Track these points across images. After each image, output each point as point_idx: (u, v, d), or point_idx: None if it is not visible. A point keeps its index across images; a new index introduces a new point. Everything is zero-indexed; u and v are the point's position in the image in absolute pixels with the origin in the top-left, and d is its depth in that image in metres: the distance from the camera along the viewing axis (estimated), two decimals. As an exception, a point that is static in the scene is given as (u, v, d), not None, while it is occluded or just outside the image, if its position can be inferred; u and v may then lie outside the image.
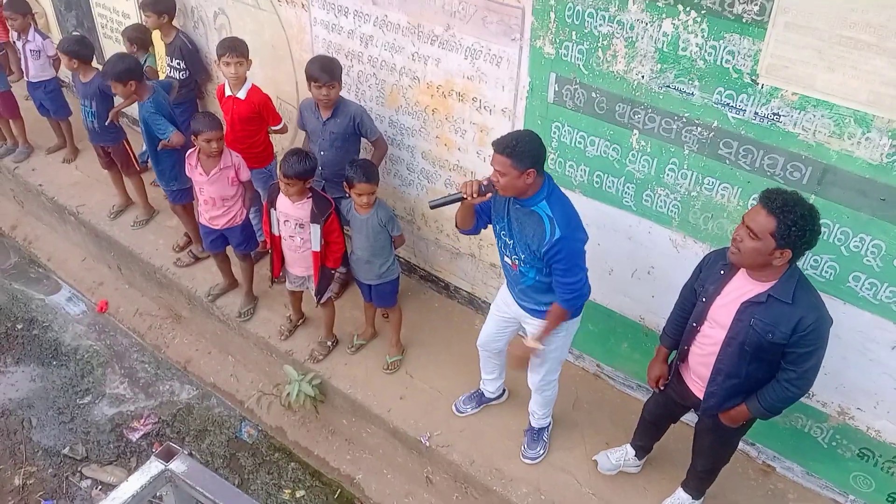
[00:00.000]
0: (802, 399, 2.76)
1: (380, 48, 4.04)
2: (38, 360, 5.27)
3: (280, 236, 3.98)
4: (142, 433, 4.74)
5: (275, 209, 3.90)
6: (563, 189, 3.57)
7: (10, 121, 6.35)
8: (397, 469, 4.23)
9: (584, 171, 3.48)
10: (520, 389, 3.90)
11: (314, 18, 4.29)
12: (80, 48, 4.90)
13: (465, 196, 2.92)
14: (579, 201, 3.56)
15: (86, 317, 5.65)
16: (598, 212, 3.53)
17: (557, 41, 3.24)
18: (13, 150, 6.46)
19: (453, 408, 4.02)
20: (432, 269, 4.75)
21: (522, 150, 2.77)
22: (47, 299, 5.82)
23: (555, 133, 3.49)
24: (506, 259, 3.18)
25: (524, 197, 2.91)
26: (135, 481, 1.36)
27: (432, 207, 3.04)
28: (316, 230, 3.86)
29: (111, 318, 5.60)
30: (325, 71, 3.79)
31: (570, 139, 3.45)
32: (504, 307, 3.43)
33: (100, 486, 4.44)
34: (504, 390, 4.03)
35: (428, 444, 3.86)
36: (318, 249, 3.93)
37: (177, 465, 1.37)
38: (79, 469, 4.53)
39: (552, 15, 3.19)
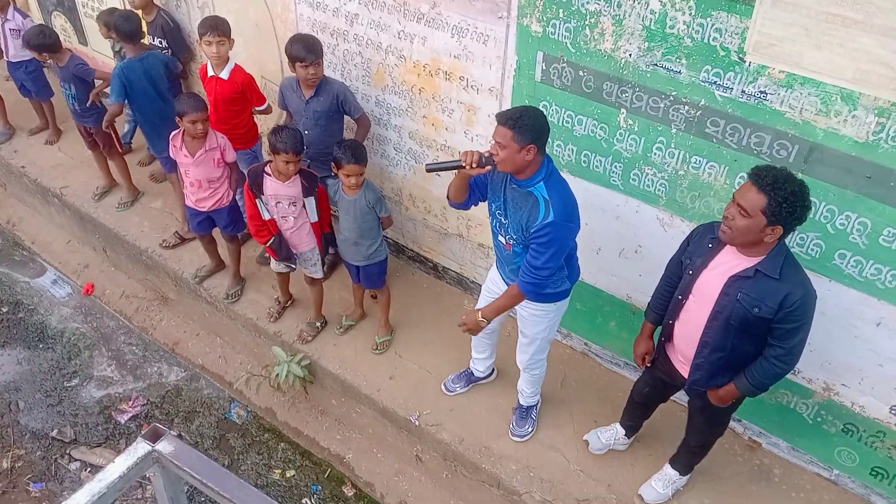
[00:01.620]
0: (788, 376, 2.78)
1: (365, 26, 3.99)
2: (24, 343, 5.23)
3: (273, 220, 3.95)
4: (130, 415, 4.73)
5: (262, 195, 3.85)
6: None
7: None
8: (387, 448, 4.26)
9: (572, 150, 3.47)
10: (508, 368, 3.92)
11: (304, -2, 4.23)
12: (43, 40, 4.81)
13: (463, 164, 2.83)
14: (567, 181, 3.57)
15: (72, 299, 5.61)
16: (585, 191, 3.52)
17: (544, 19, 3.21)
18: (-5, 132, 6.37)
19: (442, 387, 4.04)
20: (420, 250, 4.75)
21: (526, 123, 2.72)
22: (32, 282, 5.77)
23: (546, 112, 3.47)
24: (500, 238, 3.15)
25: (522, 177, 2.87)
26: (121, 462, 1.36)
27: (428, 171, 2.96)
28: (311, 203, 3.87)
29: (97, 301, 5.56)
30: (310, 50, 3.75)
31: (557, 118, 3.43)
32: (494, 287, 3.42)
33: (89, 469, 4.44)
34: (493, 370, 4.05)
35: (417, 423, 3.88)
36: (316, 220, 3.95)
37: (164, 446, 1.36)
38: (67, 451, 4.52)
39: None
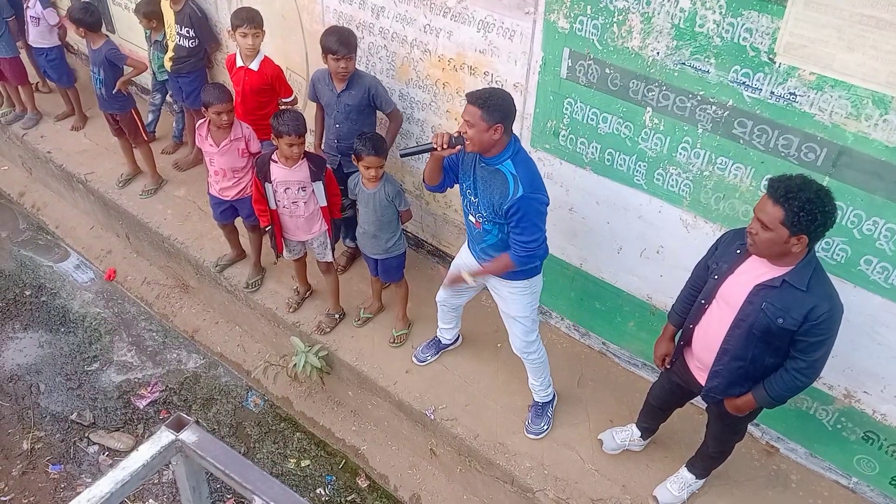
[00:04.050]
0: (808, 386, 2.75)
1: (391, 19, 3.99)
2: (46, 326, 5.31)
3: (277, 210, 3.98)
4: (149, 401, 4.78)
5: (269, 182, 3.88)
6: (572, 166, 3.59)
7: (19, 87, 6.33)
8: (402, 441, 4.27)
9: (596, 148, 3.45)
10: (523, 366, 3.91)
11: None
12: (86, 16, 4.86)
13: (435, 147, 2.95)
14: (589, 179, 3.56)
15: (94, 285, 5.68)
16: (608, 190, 3.51)
17: (572, 15, 3.19)
18: (21, 116, 6.44)
19: (413, 359, 4.16)
20: (440, 244, 4.75)
21: (494, 103, 2.85)
22: (55, 267, 5.85)
23: (567, 109, 3.45)
24: (470, 218, 3.25)
25: (489, 155, 2.98)
26: (145, 451, 1.37)
27: (402, 156, 3.10)
28: (319, 187, 3.91)
29: (119, 287, 5.63)
30: (343, 44, 3.75)
31: (582, 115, 3.41)
32: (464, 266, 3.49)
33: (107, 452, 4.50)
34: (459, 336, 4.21)
35: (433, 417, 3.89)
36: (325, 204, 3.99)
37: (187, 435, 1.38)
38: (86, 435, 4.58)
39: None
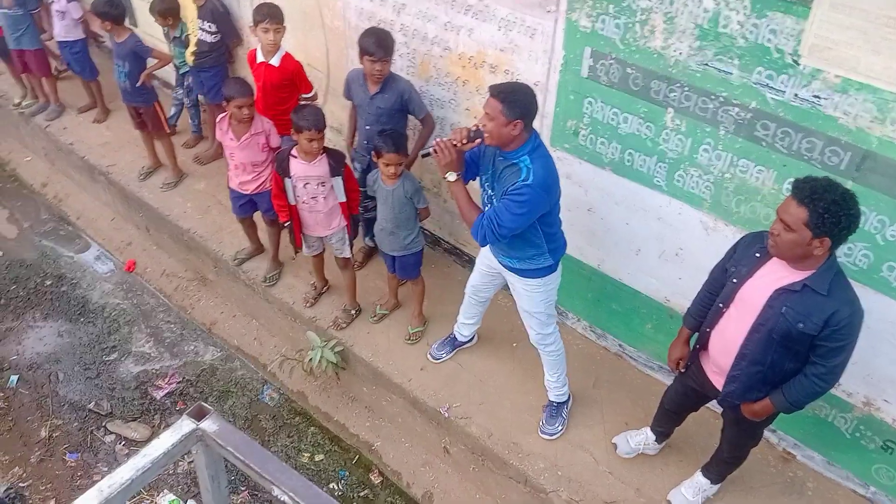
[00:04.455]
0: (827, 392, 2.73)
1: (412, 17, 3.99)
2: (65, 316, 5.37)
3: (296, 205, 4.00)
4: (166, 392, 4.83)
5: (289, 177, 3.89)
6: (592, 166, 3.57)
7: (42, 79, 6.40)
8: (415, 438, 4.28)
9: (616, 148, 3.44)
10: (539, 366, 3.90)
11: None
12: (111, 10, 4.92)
13: (455, 143, 2.95)
14: (609, 179, 3.54)
15: (114, 275, 5.73)
16: (627, 190, 3.49)
17: (594, 14, 3.17)
18: (45, 107, 6.52)
19: (428, 356, 4.15)
20: (457, 243, 4.75)
21: (515, 98, 2.84)
22: (76, 257, 5.92)
23: (587, 108, 3.44)
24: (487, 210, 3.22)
25: (508, 149, 2.97)
26: (166, 439, 1.39)
27: (424, 157, 3.10)
28: (338, 182, 3.93)
29: (138, 278, 5.68)
30: (380, 46, 3.74)
31: (602, 115, 3.40)
32: (486, 259, 3.51)
33: (123, 442, 4.54)
34: (475, 335, 4.19)
35: (447, 415, 3.89)
36: (344, 200, 4.01)
37: (208, 425, 1.39)
38: (103, 424, 4.63)
39: None
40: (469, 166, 3.21)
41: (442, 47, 3.95)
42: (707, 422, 3.54)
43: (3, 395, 4.79)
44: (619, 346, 4.13)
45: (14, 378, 4.88)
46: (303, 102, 4.27)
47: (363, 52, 3.76)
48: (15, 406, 4.73)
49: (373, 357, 4.22)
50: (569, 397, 3.81)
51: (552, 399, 3.76)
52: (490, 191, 3.16)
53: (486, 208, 3.18)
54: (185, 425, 1.38)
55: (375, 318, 4.42)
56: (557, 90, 3.52)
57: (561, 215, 3.24)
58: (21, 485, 4.27)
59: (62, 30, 5.88)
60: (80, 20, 5.89)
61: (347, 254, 4.24)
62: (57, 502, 4.21)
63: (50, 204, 6.45)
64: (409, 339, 4.28)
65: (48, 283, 5.65)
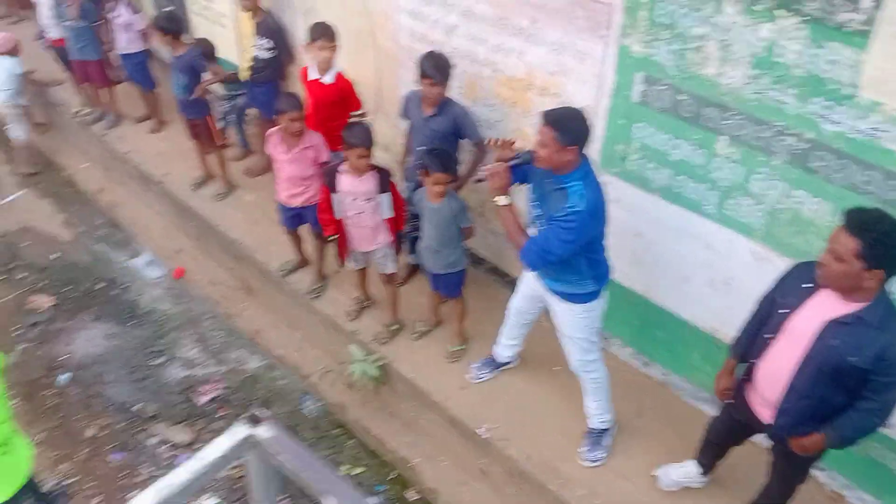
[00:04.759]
0: (880, 428, 2.66)
1: (463, 38, 4.04)
2: (115, 319, 5.52)
3: (342, 220, 4.07)
4: (209, 397, 4.92)
5: (337, 192, 3.96)
6: (640, 191, 3.56)
7: (102, 88, 6.63)
8: (453, 457, 4.27)
9: (666, 174, 3.42)
10: (580, 391, 3.88)
11: (400, 6, 4.32)
12: (171, 24, 5.11)
13: (506, 161, 3.08)
14: (657, 205, 3.52)
15: (163, 282, 5.88)
16: (676, 217, 3.46)
17: (647, 40, 3.18)
18: (103, 117, 6.76)
19: (468, 375, 4.14)
20: (500, 264, 4.76)
21: (569, 125, 2.84)
22: (128, 262, 6.09)
23: (637, 134, 3.44)
24: (532, 231, 3.23)
25: (560, 173, 2.96)
26: (221, 444, 1.42)
27: (477, 182, 3.24)
28: (385, 199, 3.99)
29: (187, 285, 5.82)
30: (438, 70, 3.80)
31: (652, 141, 3.39)
32: (530, 282, 3.51)
33: (167, 444, 4.63)
34: (517, 357, 4.16)
35: (486, 436, 3.88)
36: (390, 216, 4.06)
37: (263, 432, 1.42)
38: (148, 426, 4.74)
39: (644, 13, 3.13)
40: (515, 171, 3.20)
41: (491, 69, 3.99)
42: (755, 457, 3.46)
43: (54, 392, 4.93)
44: (665, 374, 4.07)
45: (66, 376, 5.03)
46: (353, 120, 4.35)
47: (422, 74, 3.82)
48: (64, 404, 4.87)
49: (413, 373, 4.24)
50: (612, 425, 3.76)
51: (594, 426, 3.72)
52: (538, 210, 3.16)
53: (533, 226, 3.19)
54: (239, 431, 1.41)
55: (416, 335, 4.45)
56: (608, 115, 3.52)
57: (608, 240, 3.23)
58: (68, 481, 4.38)
59: (125, 41, 6.10)
60: (142, 32, 6.11)
61: (391, 269, 4.29)
62: (103, 500, 4.31)
63: (104, 210, 6.65)
64: (450, 358, 4.29)
65: (100, 286, 5.81)
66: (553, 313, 3.49)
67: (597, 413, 3.67)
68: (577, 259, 3.11)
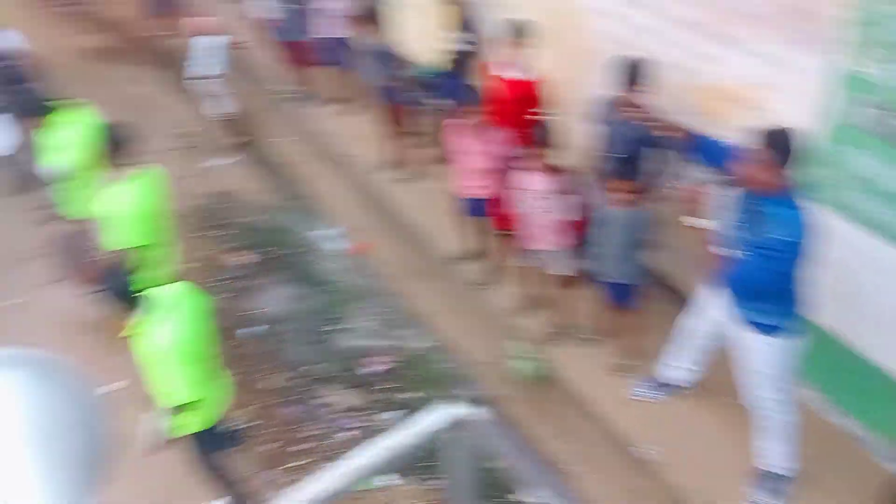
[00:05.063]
0: None
1: (664, 44, 3.91)
2: (299, 284, 5.95)
3: (522, 216, 4.11)
4: (374, 369, 5.18)
5: (519, 188, 4.02)
6: (850, 224, 3.29)
7: (307, 69, 7.13)
8: (606, 473, 4.16)
9: (877, 205, 3.13)
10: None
11: (600, 8, 4.27)
12: (369, 14, 5.42)
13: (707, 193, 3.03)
14: (869, 242, 3.24)
15: (347, 255, 6.25)
16: (885, 254, 3.17)
17: (873, 59, 2.92)
18: (307, 96, 7.28)
19: (635, 392, 4.04)
20: (677, 282, 4.59)
21: (780, 146, 2.71)
22: (316, 233, 6.53)
23: (850, 159, 3.17)
24: (728, 250, 3.09)
25: (767, 196, 2.82)
26: (429, 421, 1.48)
27: (684, 220, 3.20)
28: (566, 200, 4.00)
29: (368, 261, 6.15)
30: (638, 76, 3.78)
31: (864, 168, 3.12)
32: (717, 306, 3.31)
33: (330, 406, 4.94)
34: (691, 381, 3.95)
35: (647, 457, 3.77)
36: (572, 218, 4.06)
37: (478, 414, 1.47)
38: (316, 387, 5.07)
39: (872, 29, 2.88)
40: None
41: (687, 75, 3.84)
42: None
43: (236, 343, 5.39)
44: (862, 430, 3.73)
45: (260, 329, 5.48)
46: (539, 118, 4.38)
47: (621, 80, 3.77)
48: (250, 354, 5.34)
49: (576, 380, 4.21)
50: (790, 473, 3.50)
51: (770, 469, 3.49)
52: (741, 232, 3.00)
53: (733, 249, 3.06)
54: (452, 409, 1.47)
55: (584, 342, 4.41)
56: (819, 136, 3.29)
57: (809, 275, 3.03)
58: (244, 425, 4.80)
59: (328, 26, 6.52)
60: (345, 18, 6.51)
61: (566, 272, 4.28)
62: (282, 445, 4.64)
63: (300, 183, 7.17)
64: (616, 371, 4.21)
65: (289, 252, 6.28)
66: (743, 345, 3.29)
67: (778, 457, 3.44)
68: (782, 289, 2.94)
